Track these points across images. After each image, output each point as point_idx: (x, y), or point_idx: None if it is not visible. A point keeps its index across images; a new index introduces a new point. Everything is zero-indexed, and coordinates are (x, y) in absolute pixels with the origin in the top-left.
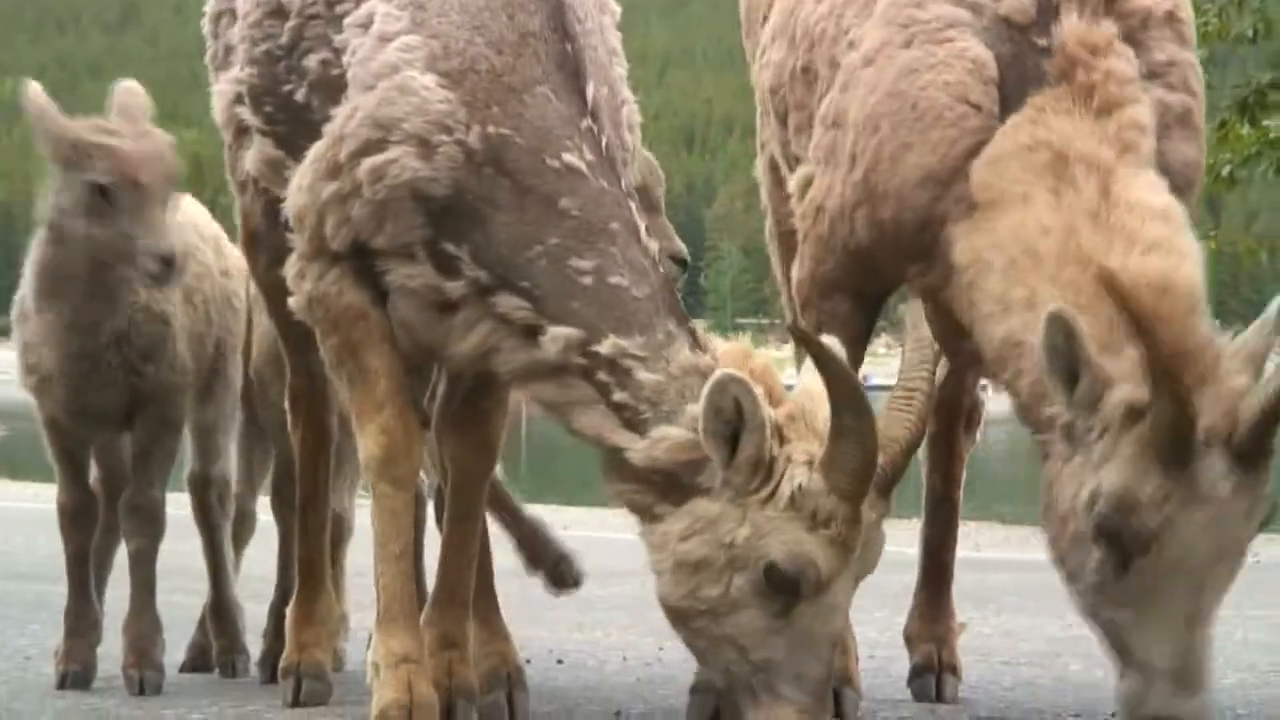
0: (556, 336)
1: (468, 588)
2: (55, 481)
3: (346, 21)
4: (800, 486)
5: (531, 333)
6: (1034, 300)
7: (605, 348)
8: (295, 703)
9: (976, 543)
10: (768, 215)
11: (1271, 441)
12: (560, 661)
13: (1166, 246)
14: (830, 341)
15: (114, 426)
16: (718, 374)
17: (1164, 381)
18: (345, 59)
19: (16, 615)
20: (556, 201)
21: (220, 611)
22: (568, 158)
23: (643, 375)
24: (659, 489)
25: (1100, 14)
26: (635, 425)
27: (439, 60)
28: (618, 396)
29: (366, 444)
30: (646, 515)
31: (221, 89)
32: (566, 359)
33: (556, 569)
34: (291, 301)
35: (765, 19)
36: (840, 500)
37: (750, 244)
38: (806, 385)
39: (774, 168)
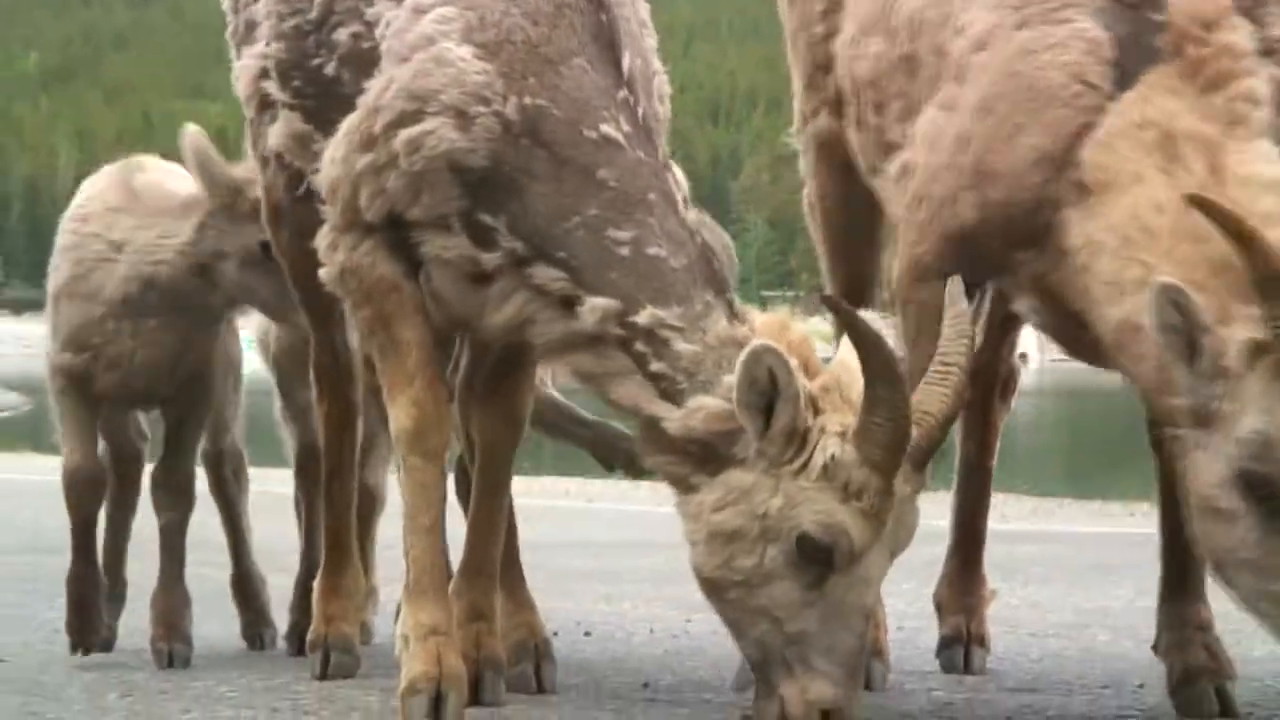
0: (594, 307)
1: (495, 560)
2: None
3: None
4: (833, 457)
5: (568, 303)
6: (1148, 280)
7: (643, 318)
8: (323, 675)
9: (1004, 514)
10: (808, 184)
11: None
12: (588, 634)
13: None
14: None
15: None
16: (753, 344)
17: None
18: (378, 31)
19: (45, 588)
20: (594, 172)
21: (243, 585)
22: (605, 129)
23: (680, 346)
24: (695, 459)
25: None
26: (672, 395)
27: (475, 32)
28: (655, 367)
29: (398, 416)
30: (683, 486)
31: (245, 64)
32: (604, 329)
33: (634, 462)
34: (323, 273)
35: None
36: (873, 472)
37: (776, 216)
38: (843, 358)
39: (827, 142)
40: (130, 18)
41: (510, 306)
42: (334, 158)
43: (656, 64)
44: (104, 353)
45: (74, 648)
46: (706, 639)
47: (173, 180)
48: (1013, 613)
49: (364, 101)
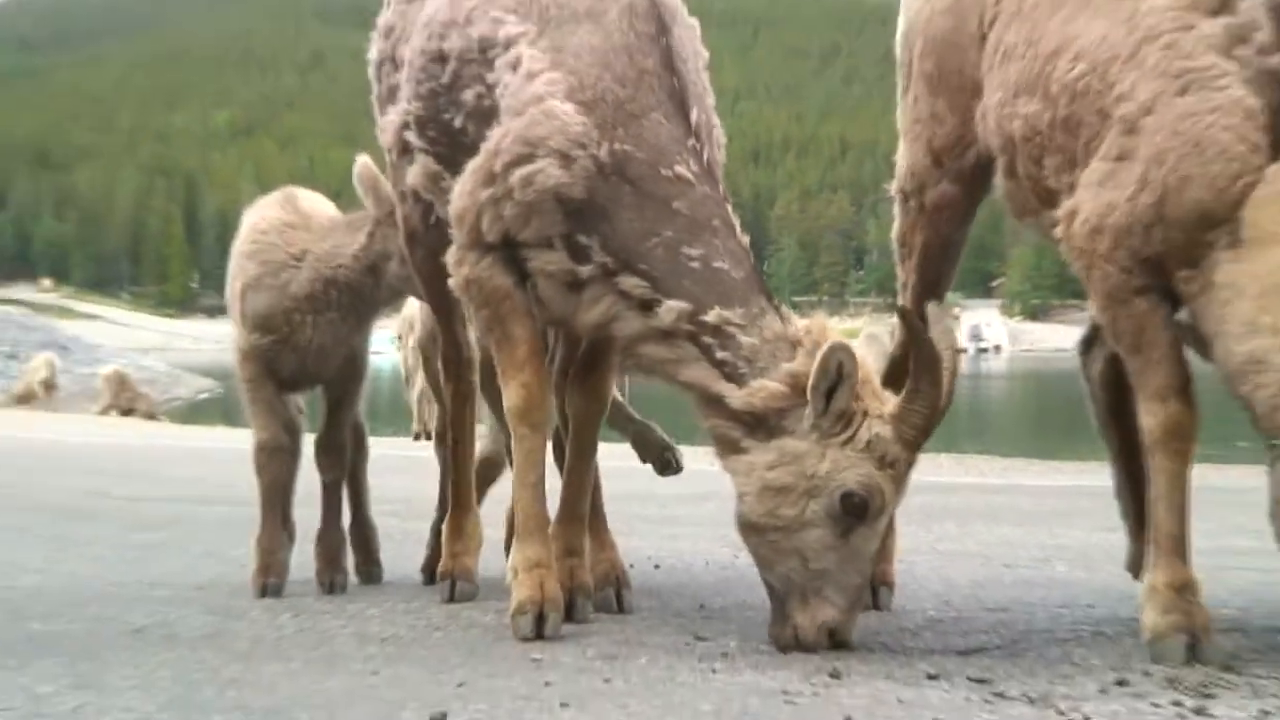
0: (671, 308)
1: (585, 509)
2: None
3: (498, 63)
4: (877, 435)
5: (647, 305)
6: (1278, 328)
7: (711, 317)
8: (450, 599)
9: (981, 471)
10: (897, 222)
11: None
12: (657, 566)
13: None
14: (934, 312)
15: (317, 383)
16: (831, 342)
17: None
18: (497, 91)
19: (234, 534)
20: (670, 203)
21: (360, 530)
22: (679, 169)
23: (743, 338)
24: (748, 428)
25: None
26: (734, 378)
27: (576, 92)
28: (720, 355)
29: (510, 395)
30: (733, 448)
31: (390, 119)
32: (677, 326)
33: (662, 457)
34: (451, 282)
35: (956, 67)
36: (905, 448)
37: (804, 238)
38: (862, 358)
39: (920, 189)
40: (299, 83)
41: (600, 307)
42: (461, 191)
43: (715, 119)
44: (290, 339)
45: (261, 590)
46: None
47: (322, 205)
48: (989, 549)
49: (486, 147)
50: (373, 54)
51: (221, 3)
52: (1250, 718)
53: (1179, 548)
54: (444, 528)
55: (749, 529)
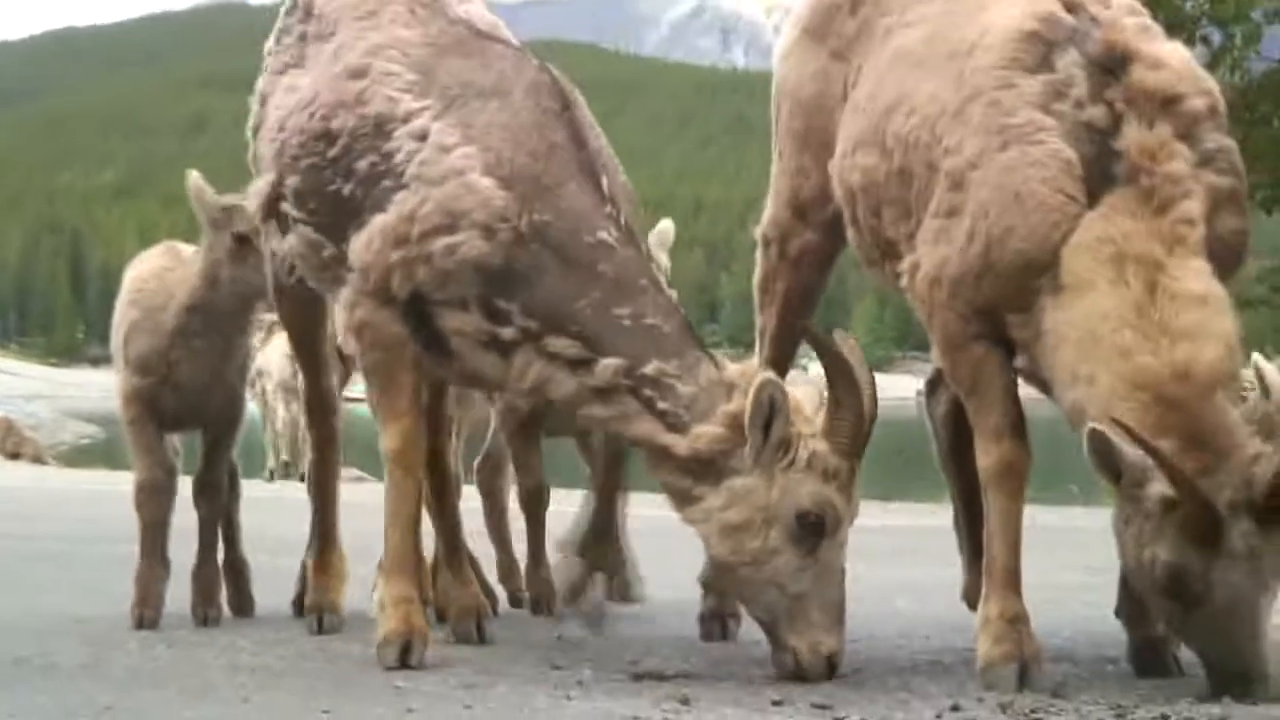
0: (606, 365)
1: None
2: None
3: (396, 134)
4: (814, 451)
5: (581, 364)
6: (1094, 379)
7: (650, 369)
8: (319, 631)
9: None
10: (759, 268)
11: None
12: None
13: (1196, 333)
14: (839, 335)
15: (196, 426)
16: (760, 378)
17: (1185, 492)
18: (396, 159)
19: (118, 570)
20: (595, 267)
21: (234, 566)
22: (600, 235)
23: (681, 388)
24: (696, 474)
25: (1156, 119)
26: (677, 427)
27: (494, 168)
28: (660, 406)
29: (388, 439)
30: (685, 499)
31: (259, 187)
32: (615, 382)
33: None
34: (340, 323)
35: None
36: (842, 458)
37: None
38: (788, 388)
39: (783, 237)
40: (180, 146)
41: (532, 373)
42: (368, 247)
43: (626, 181)
44: (169, 378)
45: (138, 622)
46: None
47: None
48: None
49: (399, 211)
50: (251, 120)
51: (105, 71)
52: None
53: (1012, 580)
54: (311, 564)
55: (722, 571)
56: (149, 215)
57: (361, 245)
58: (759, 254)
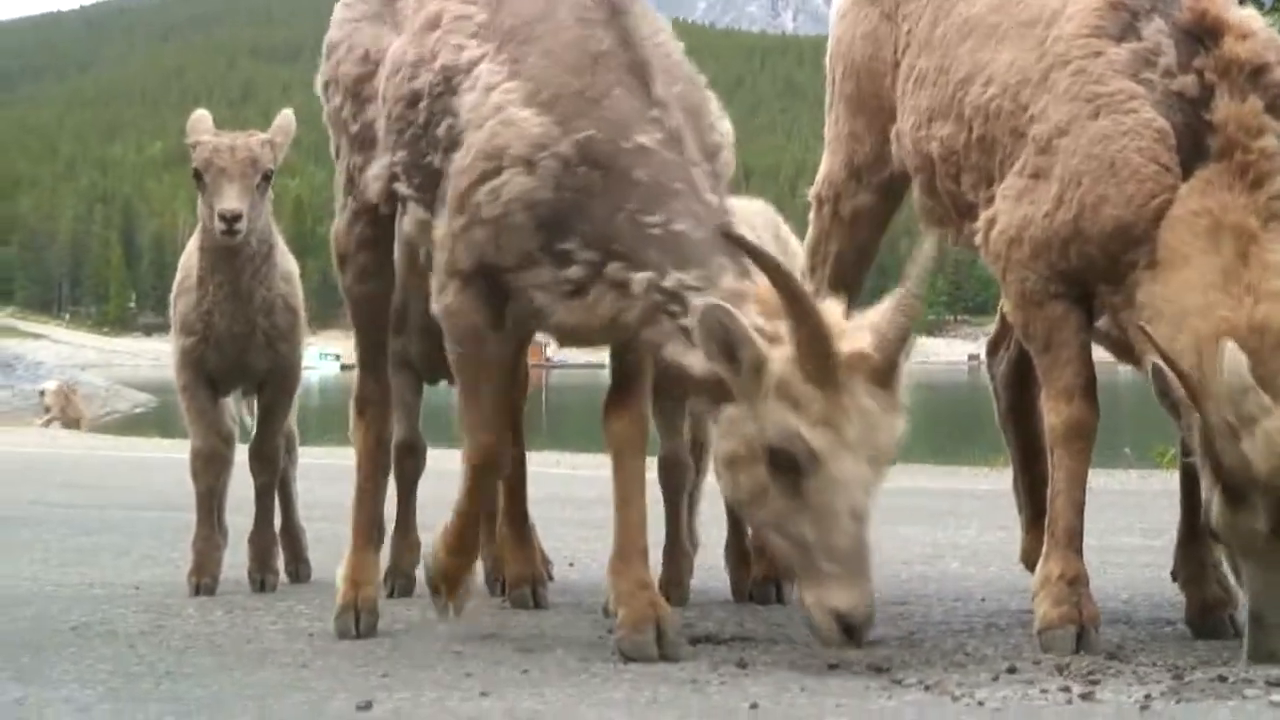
0: (640, 280)
1: (645, 540)
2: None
3: (464, 87)
4: (779, 378)
5: (625, 286)
6: (1184, 352)
7: (670, 282)
8: (389, 595)
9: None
10: (811, 230)
11: None
12: (571, 564)
13: None
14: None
15: (251, 387)
16: (701, 302)
17: (1209, 443)
18: (461, 119)
19: (170, 536)
20: (631, 174)
21: (289, 532)
22: (639, 139)
23: (696, 301)
24: (711, 391)
25: (1248, 90)
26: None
27: (533, 95)
28: (683, 322)
29: (468, 450)
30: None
31: (377, 173)
32: (649, 298)
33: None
34: (434, 307)
35: (873, 95)
36: (812, 385)
37: None
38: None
39: (836, 198)
40: (230, 114)
41: (603, 306)
42: (440, 224)
43: (699, 89)
44: (208, 335)
45: (195, 589)
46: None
47: None
48: (888, 547)
49: (454, 171)
50: (321, 73)
51: (156, 43)
52: (1134, 703)
53: (1074, 541)
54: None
55: (735, 509)
56: None
57: (438, 224)
58: (812, 215)
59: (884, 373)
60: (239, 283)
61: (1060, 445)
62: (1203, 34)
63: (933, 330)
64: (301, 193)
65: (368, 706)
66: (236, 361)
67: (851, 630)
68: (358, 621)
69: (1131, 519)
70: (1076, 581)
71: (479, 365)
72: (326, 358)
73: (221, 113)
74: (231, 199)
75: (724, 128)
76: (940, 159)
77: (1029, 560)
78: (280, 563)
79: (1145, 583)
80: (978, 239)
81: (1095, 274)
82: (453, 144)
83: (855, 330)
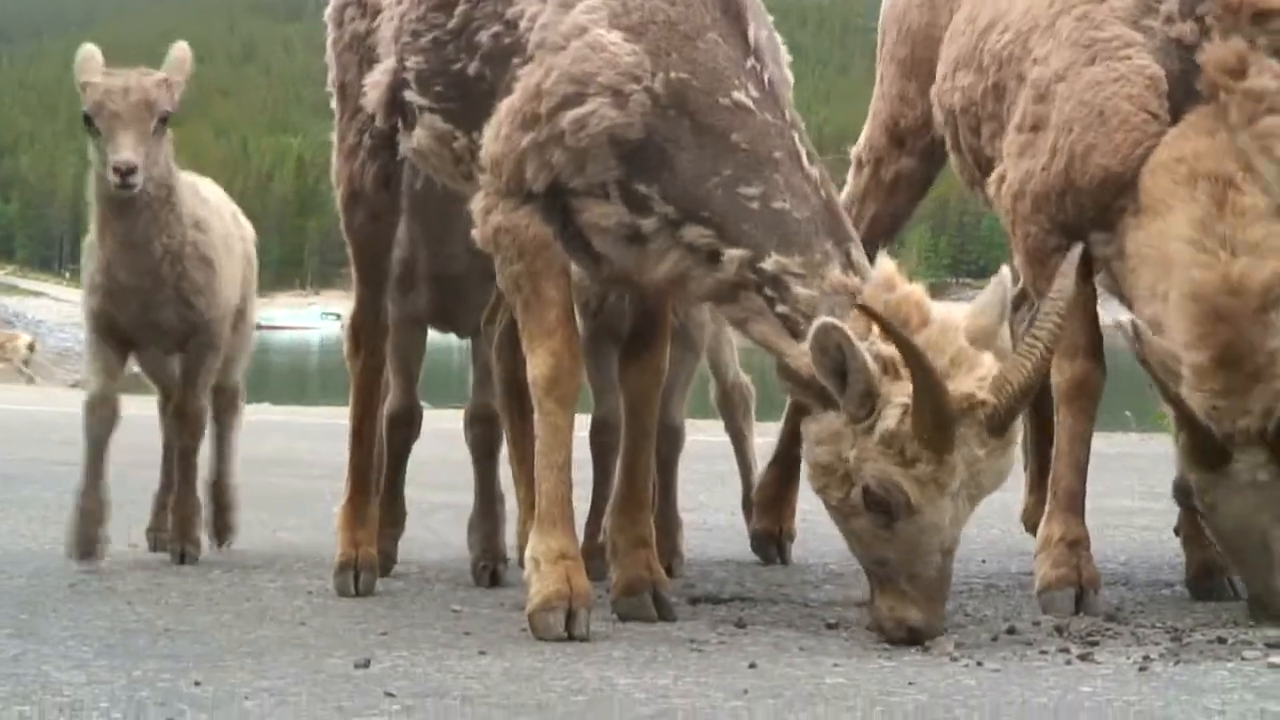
0: (732, 257)
1: (648, 495)
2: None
3: None
4: (889, 430)
5: (714, 257)
6: (1166, 295)
7: (769, 264)
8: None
9: None
10: (848, 187)
11: None
12: None
13: (1259, 248)
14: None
15: (168, 346)
16: (818, 322)
17: (1184, 417)
18: (521, 26)
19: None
20: (729, 136)
21: (220, 489)
22: (736, 95)
23: (799, 290)
24: (814, 392)
25: (1240, 32)
26: (797, 335)
27: (620, 17)
28: (780, 309)
29: (535, 364)
30: (803, 411)
31: (376, 78)
32: (742, 276)
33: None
34: (475, 233)
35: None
36: (924, 447)
37: None
38: (943, 317)
39: (877, 162)
40: (232, 72)
41: (666, 263)
42: (497, 135)
43: (777, 36)
44: (107, 288)
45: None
46: None
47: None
48: None
49: (524, 86)
50: (330, 37)
51: (156, 2)
52: (1132, 664)
53: (1075, 504)
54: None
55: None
56: (201, 142)
57: (490, 135)
58: (850, 175)
59: (1000, 421)
60: (133, 232)
61: (1065, 403)
62: None
63: (935, 293)
64: (303, 151)
65: (366, 664)
66: (143, 318)
67: (918, 638)
68: (357, 580)
69: (1131, 481)
70: (1077, 544)
71: (545, 274)
72: (328, 317)
73: (223, 72)
74: (126, 149)
75: (789, 74)
76: (961, 110)
77: (1030, 521)
78: (201, 532)
79: (1144, 545)
80: (991, 193)
81: (1089, 223)
82: (500, 55)
83: (976, 361)
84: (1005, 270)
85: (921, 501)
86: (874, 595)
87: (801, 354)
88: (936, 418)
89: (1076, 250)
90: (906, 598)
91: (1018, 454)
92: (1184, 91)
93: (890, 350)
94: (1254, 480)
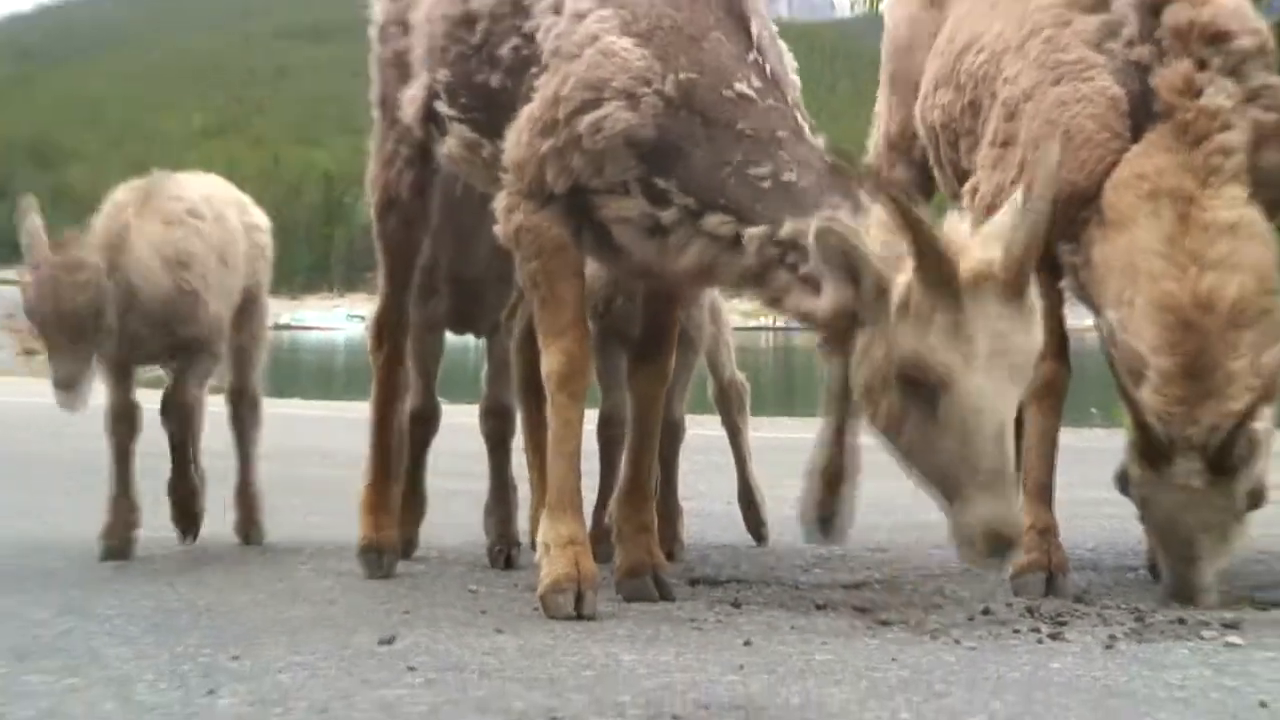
0: (751, 236)
1: (651, 484)
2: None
3: (535, 10)
4: (901, 301)
5: (736, 241)
6: (1132, 302)
7: (785, 231)
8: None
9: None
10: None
11: (1233, 457)
12: None
13: (1225, 263)
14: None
15: (162, 360)
16: (816, 224)
17: (1136, 416)
18: (538, 38)
19: (213, 487)
20: (735, 125)
21: (244, 492)
22: (739, 87)
23: (808, 223)
24: (843, 338)
25: (1191, 55)
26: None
27: (630, 25)
28: (803, 270)
29: (549, 360)
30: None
31: (412, 94)
32: (763, 253)
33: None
34: (498, 230)
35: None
36: (934, 294)
37: None
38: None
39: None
40: (267, 90)
41: (690, 254)
42: (518, 142)
43: (774, 29)
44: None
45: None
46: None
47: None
48: (870, 497)
49: (543, 95)
50: (377, 15)
51: (197, 26)
52: (1098, 642)
53: (1044, 494)
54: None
55: (883, 444)
56: (236, 155)
57: (512, 141)
58: None
59: (1012, 286)
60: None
61: (1033, 402)
62: (1161, 4)
63: None
64: (329, 166)
65: (390, 641)
66: (132, 352)
67: (1003, 548)
68: (380, 561)
69: (1097, 473)
70: (1047, 531)
71: (561, 275)
72: (353, 319)
73: (257, 91)
74: (61, 369)
75: (791, 62)
76: (941, 126)
77: None
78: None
79: (1110, 533)
80: (966, 206)
81: (1056, 234)
82: (520, 67)
83: (980, 244)
84: (1018, 192)
85: (951, 365)
86: (951, 522)
87: (823, 301)
88: (937, 265)
89: (1054, 148)
90: (975, 497)
91: (1039, 335)
92: (1144, 111)
93: (893, 248)
94: (1187, 484)
